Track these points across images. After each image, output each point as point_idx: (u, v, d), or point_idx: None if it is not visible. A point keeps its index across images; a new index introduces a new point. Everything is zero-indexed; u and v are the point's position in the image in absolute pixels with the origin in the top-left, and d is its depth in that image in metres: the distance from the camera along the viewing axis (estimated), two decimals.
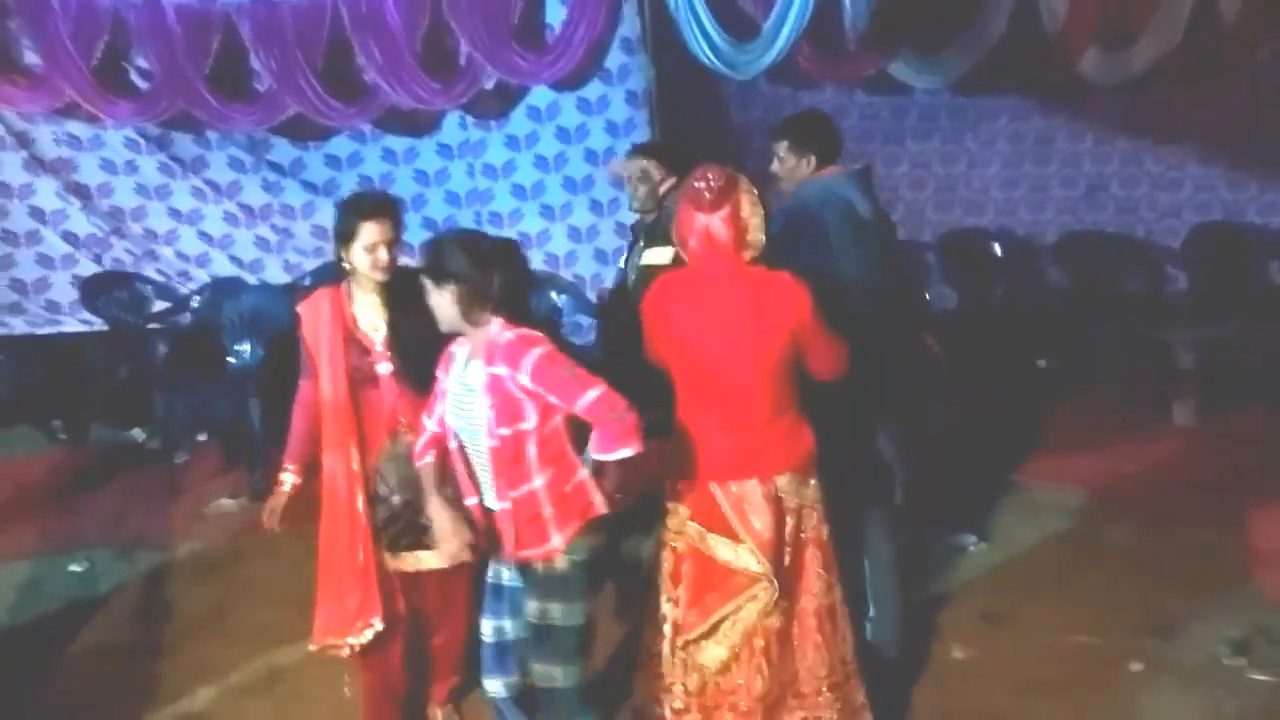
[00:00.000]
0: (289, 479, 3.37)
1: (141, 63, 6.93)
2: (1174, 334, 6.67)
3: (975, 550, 4.84)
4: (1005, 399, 6.73)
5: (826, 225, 3.63)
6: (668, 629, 3.14)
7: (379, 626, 3.29)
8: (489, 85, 6.97)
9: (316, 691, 3.81)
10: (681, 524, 3.08)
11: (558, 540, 2.83)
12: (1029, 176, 8.12)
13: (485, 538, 2.93)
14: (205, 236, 7.47)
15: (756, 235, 2.98)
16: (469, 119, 7.25)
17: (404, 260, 3.31)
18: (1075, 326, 7.45)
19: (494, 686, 3.07)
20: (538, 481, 2.83)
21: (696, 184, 2.98)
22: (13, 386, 6.93)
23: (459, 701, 3.72)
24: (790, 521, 3.06)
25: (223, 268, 7.48)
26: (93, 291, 7.20)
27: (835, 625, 3.17)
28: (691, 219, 2.99)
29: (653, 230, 4.23)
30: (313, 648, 3.37)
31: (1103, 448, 5.90)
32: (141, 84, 6.99)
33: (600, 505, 2.84)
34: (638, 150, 4.43)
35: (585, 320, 6.71)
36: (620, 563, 3.91)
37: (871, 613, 3.74)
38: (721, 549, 3.02)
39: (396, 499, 3.29)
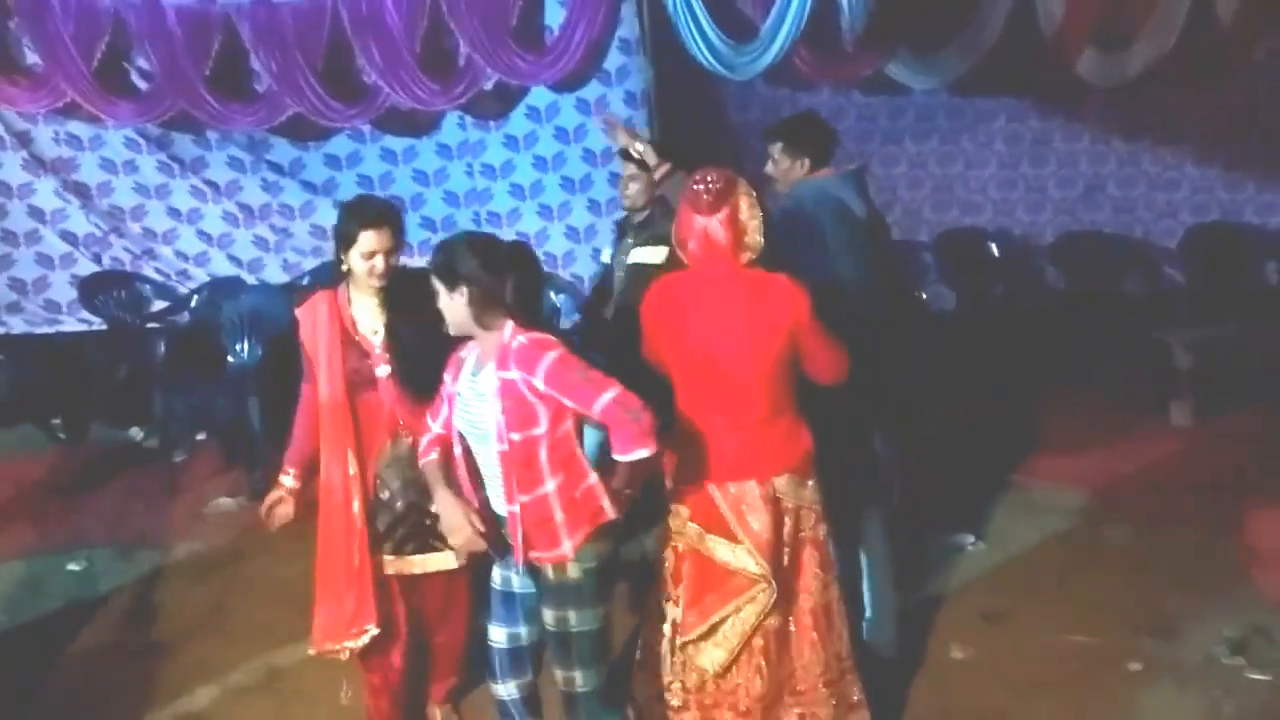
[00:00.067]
0: (288, 481, 3.38)
1: (142, 63, 6.94)
2: (1171, 334, 6.67)
3: (974, 550, 4.85)
4: (1003, 399, 6.73)
5: (823, 226, 3.64)
6: (667, 628, 3.15)
7: (374, 631, 3.30)
8: (488, 86, 6.99)
9: (316, 691, 3.81)
10: (683, 524, 3.09)
11: (567, 547, 2.82)
12: (1026, 177, 8.13)
13: (493, 533, 2.93)
14: (204, 236, 7.48)
15: (755, 237, 2.99)
16: (468, 119, 7.27)
17: (402, 260, 3.30)
18: (1072, 326, 7.45)
19: (506, 690, 3.06)
20: (549, 486, 2.81)
21: (695, 186, 2.99)
22: (12, 386, 6.92)
23: (458, 701, 3.73)
24: (788, 522, 3.07)
25: (222, 267, 7.48)
26: (92, 291, 7.20)
27: (831, 623, 3.18)
28: (690, 221, 3.00)
29: (644, 228, 4.24)
30: (312, 652, 3.38)
31: (1101, 448, 5.91)
32: (142, 84, 6.99)
33: (609, 510, 2.83)
34: (622, 153, 4.41)
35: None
36: (627, 562, 3.92)
37: (868, 613, 3.76)
38: (720, 549, 3.03)
39: (400, 503, 3.30)
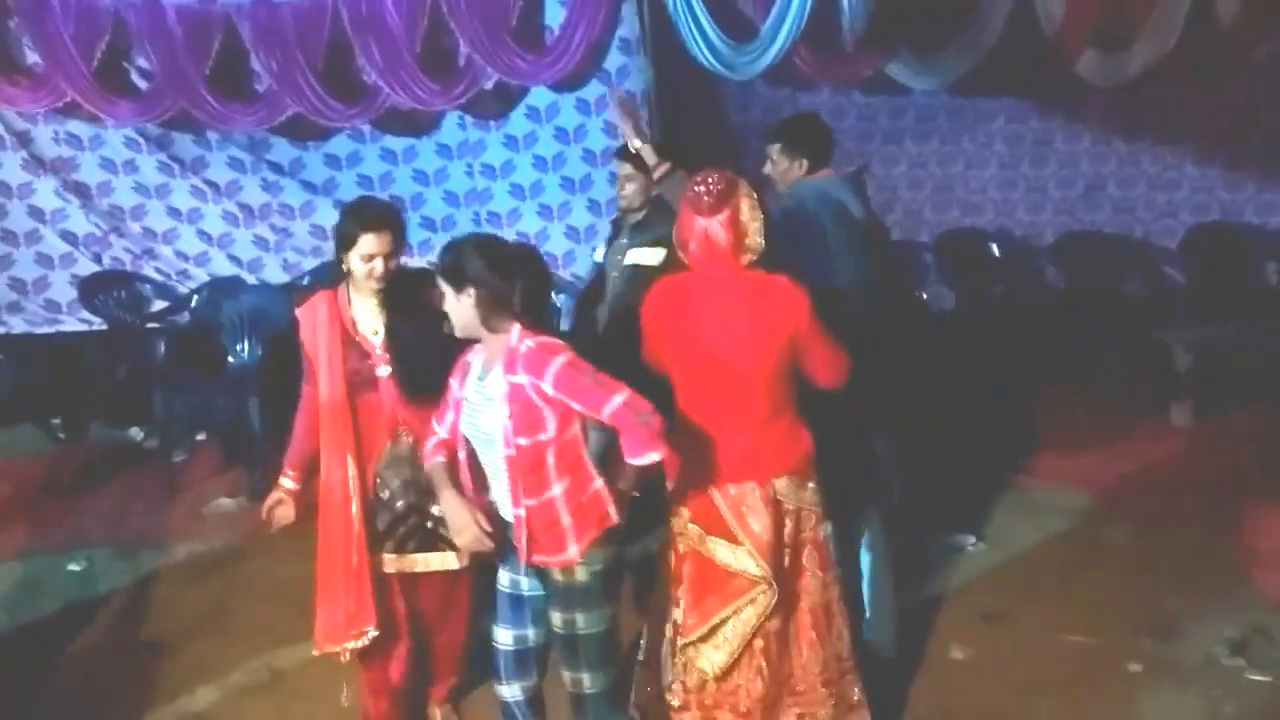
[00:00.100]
0: (288, 483, 3.38)
1: (142, 63, 6.93)
2: (1171, 334, 6.67)
3: (974, 550, 4.85)
4: (1003, 399, 6.73)
5: (823, 227, 3.64)
6: (668, 628, 3.16)
7: (374, 632, 3.30)
8: (488, 86, 6.99)
9: (316, 691, 3.81)
10: (683, 526, 3.09)
11: (574, 550, 2.81)
12: (1027, 177, 8.13)
13: (499, 534, 2.93)
14: (204, 236, 7.48)
15: (755, 239, 2.99)
16: (468, 119, 7.27)
17: (402, 260, 3.29)
18: (1073, 327, 7.45)
19: (511, 692, 3.06)
20: (556, 490, 2.80)
21: (697, 188, 2.99)
22: (12, 386, 6.92)
23: (458, 701, 3.73)
24: (789, 524, 3.08)
25: (222, 267, 7.48)
26: (92, 290, 7.20)
27: (830, 622, 3.18)
28: (691, 222, 3.00)
29: (641, 229, 4.21)
30: (315, 653, 3.38)
31: (1101, 448, 5.91)
32: (142, 84, 6.99)
33: (614, 515, 2.83)
34: (619, 153, 4.37)
35: None
36: (630, 563, 3.91)
37: (867, 613, 3.76)
38: (721, 551, 3.03)
39: (400, 503, 3.30)
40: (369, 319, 3.27)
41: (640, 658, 3.28)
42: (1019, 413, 6.55)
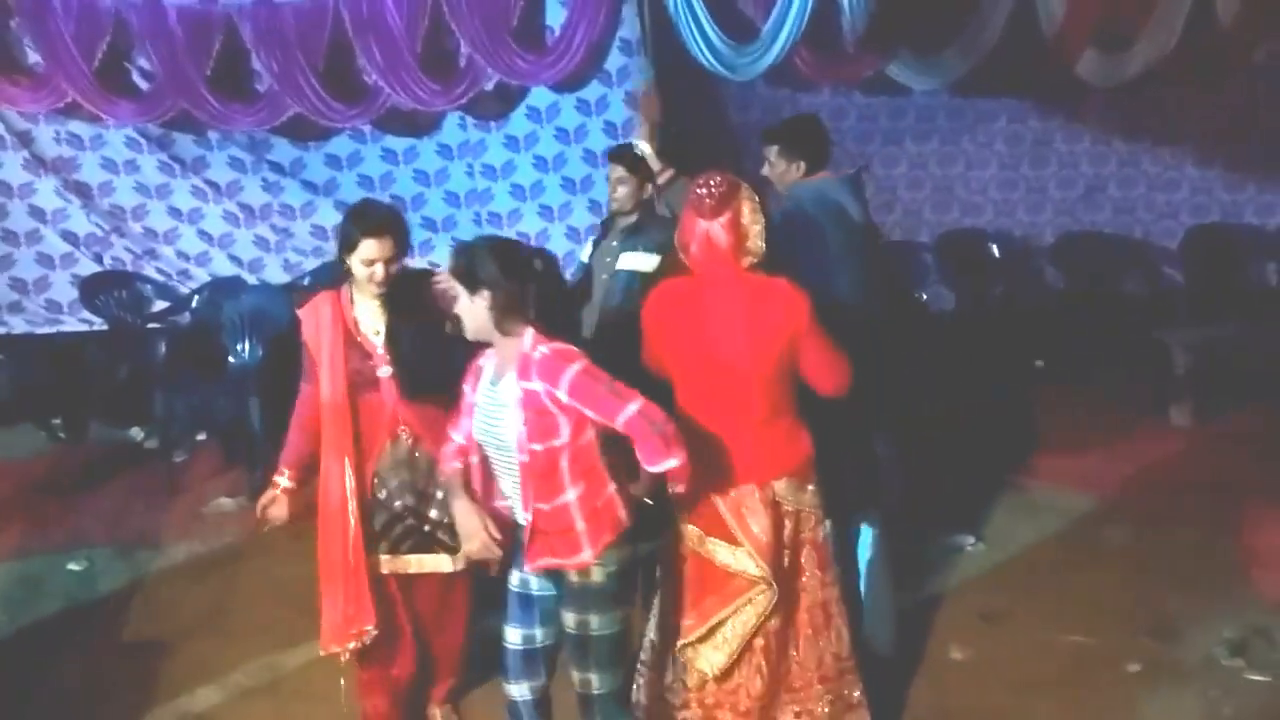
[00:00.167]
0: (283, 482, 3.37)
1: (143, 63, 6.94)
2: (1171, 335, 6.68)
3: (973, 550, 4.86)
4: (1003, 399, 6.73)
5: (823, 229, 3.65)
6: (668, 629, 3.16)
7: (374, 632, 3.31)
8: (489, 86, 6.99)
9: (317, 691, 3.80)
10: (683, 526, 3.09)
11: (588, 554, 2.79)
12: (1027, 177, 8.14)
13: (509, 541, 2.92)
14: (205, 236, 7.48)
15: (756, 242, 2.99)
16: (469, 119, 7.27)
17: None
18: (1072, 327, 7.46)
19: (519, 691, 3.03)
20: (570, 495, 2.78)
21: (699, 190, 3.00)
22: (13, 385, 6.92)
23: (458, 702, 3.72)
24: (788, 525, 3.08)
25: (222, 267, 7.48)
26: (92, 290, 7.20)
27: (828, 620, 3.19)
28: (693, 224, 3.01)
29: (633, 234, 4.18)
30: (321, 653, 3.39)
31: (1100, 448, 5.92)
32: (143, 84, 6.99)
33: (626, 518, 2.81)
34: (611, 155, 4.37)
35: None
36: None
37: (866, 614, 3.76)
38: (721, 552, 3.03)
39: (397, 503, 3.30)
40: (371, 319, 3.27)
41: (643, 657, 3.28)
42: (1019, 413, 6.56)
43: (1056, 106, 7.83)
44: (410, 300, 3.20)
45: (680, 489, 2.80)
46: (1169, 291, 8.00)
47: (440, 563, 3.34)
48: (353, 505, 3.26)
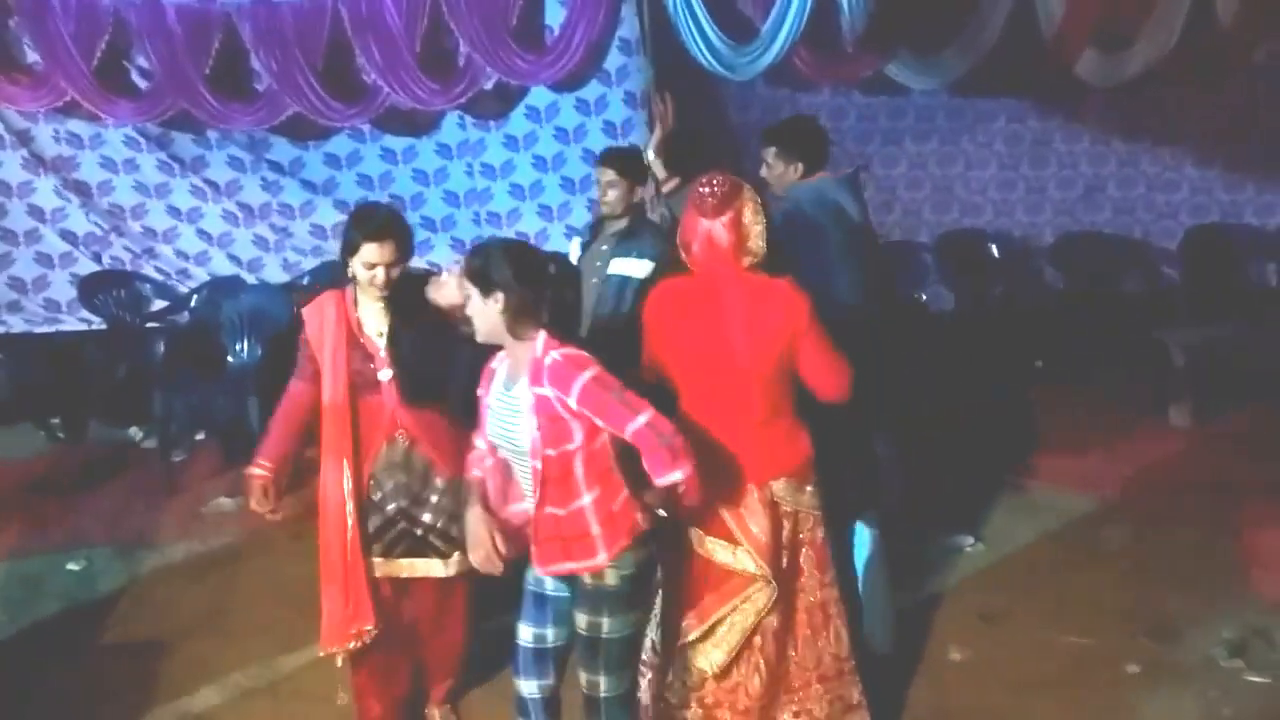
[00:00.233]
0: (258, 471, 3.30)
1: (142, 62, 6.93)
2: (1171, 335, 6.67)
3: (972, 550, 4.86)
4: (1003, 399, 6.73)
5: (823, 229, 3.65)
6: (668, 628, 3.16)
7: (374, 632, 3.31)
8: (488, 86, 6.99)
9: (317, 692, 3.80)
10: (683, 527, 3.09)
11: (603, 557, 2.78)
12: (1026, 178, 8.13)
13: (519, 548, 2.91)
14: (204, 235, 7.47)
15: (757, 242, 2.99)
16: (468, 119, 7.26)
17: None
18: (1072, 327, 7.46)
19: (529, 688, 3.02)
20: (585, 499, 2.77)
21: (701, 189, 3.00)
22: (11, 385, 6.92)
23: (457, 702, 3.72)
24: (787, 525, 3.08)
25: (222, 266, 7.47)
26: (91, 290, 7.19)
27: (827, 620, 3.19)
28: (695, 223, 3.01)
29: (626, 239, 4.15)
30: (321, 653, 3.39)
31: (1099, 448, 5.92)
32: (142, 83, 6.98)
33: (643, 521, 2.80)
34: (602, 159, 4.31)
35: None
36: None
37: (865, 613, 3.76)
38: (720, 552, 3.03)
39: (391, 506, 3.30)
40: (375, 321, 3.27)
41: (644, 657, 3.28)
42: (1019, 413, 6.56)
43: (1056, 106, 7.82)
44: (413, 303, 3.20)
45: (690, 502, 2.78)
46: (1168, 291, 7.99)
47: (432, 567, 3.34)
48: (351, 506, 3.26)
